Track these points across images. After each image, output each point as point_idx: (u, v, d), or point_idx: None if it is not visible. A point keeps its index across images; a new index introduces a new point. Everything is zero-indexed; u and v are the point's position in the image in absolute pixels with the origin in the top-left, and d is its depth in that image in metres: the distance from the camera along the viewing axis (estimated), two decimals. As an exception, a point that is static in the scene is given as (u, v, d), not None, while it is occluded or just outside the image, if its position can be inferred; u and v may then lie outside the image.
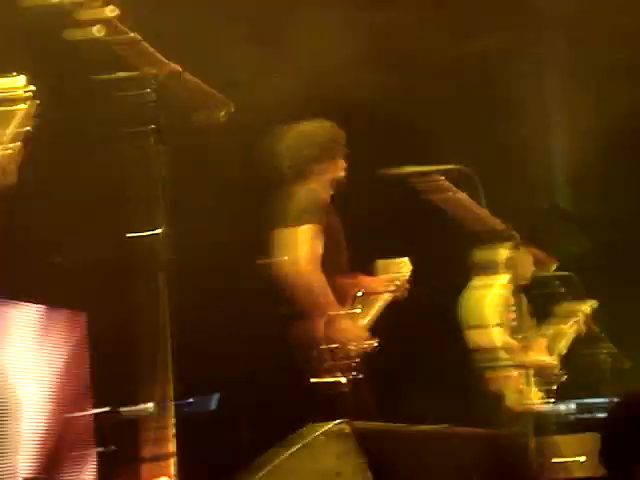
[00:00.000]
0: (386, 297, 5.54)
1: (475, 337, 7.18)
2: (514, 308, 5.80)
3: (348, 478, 1.98)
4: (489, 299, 7.32)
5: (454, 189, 5.24)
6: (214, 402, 7.09)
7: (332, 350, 5.06)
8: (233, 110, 3.19)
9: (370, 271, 5.65)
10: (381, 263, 5.66)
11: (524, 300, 7.16)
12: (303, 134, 5.43)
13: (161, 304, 2.95)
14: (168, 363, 2.98)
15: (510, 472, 2.73)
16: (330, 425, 2.02)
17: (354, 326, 5.21)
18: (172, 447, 2.82)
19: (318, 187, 5.40)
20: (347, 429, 1.98)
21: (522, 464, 2.84)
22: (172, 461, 2.78)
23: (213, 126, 3.46)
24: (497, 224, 5.21)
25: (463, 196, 5.24)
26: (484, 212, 5.19)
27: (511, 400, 6.78)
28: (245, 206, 6.40)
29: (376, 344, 5.26)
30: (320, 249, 5.17)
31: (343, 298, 5.32)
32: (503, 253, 7.28)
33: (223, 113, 3.22)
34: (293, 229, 5.18)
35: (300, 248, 5.15)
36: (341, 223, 5.45)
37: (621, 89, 8.86)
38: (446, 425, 2.43)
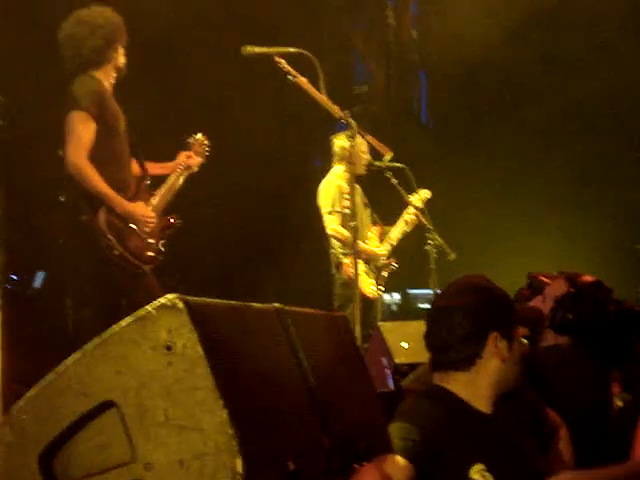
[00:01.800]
0: (174, 180, 5.71)
1: (324, 223, 7.31)
2: (348, 197, 5.83)
3: (178, 352, 1.96)
4: (323, 187, 7.40)
5: (294, 72, 5.19)
6: (40, 279, 6.98)
7: (122, 235, 5.21)
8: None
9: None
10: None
11: (359, 190, 7.24)
12: (83, 23, 5.36)
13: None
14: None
15: (339, 353, 2.76)
16: (162, 299, 1.98)
17: (139, 209, 5.32)
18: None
19: (100, 75, 5.38)
20: (180, 303, 1.95)
21: (351, 346, 2.88)
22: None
23: None
24: (336, 111, 5.18)
25: (303, 80, 5.19)
26: (324, 98, 5.15)
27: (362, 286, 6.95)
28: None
29: (171, 222, 5.53)
30: (89, 135, 5.21)
31: (127, 185, 5.40)
32: (339, 142, 7.34)
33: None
34: (65, 116, 5.21)
35: (68, 135, 5.19)
36: (120, 110, 5.45)
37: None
38: (278, 304, 2.42)
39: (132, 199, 5.34)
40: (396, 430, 2.80)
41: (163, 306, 1.95)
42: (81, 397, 2.01)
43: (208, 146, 5.92)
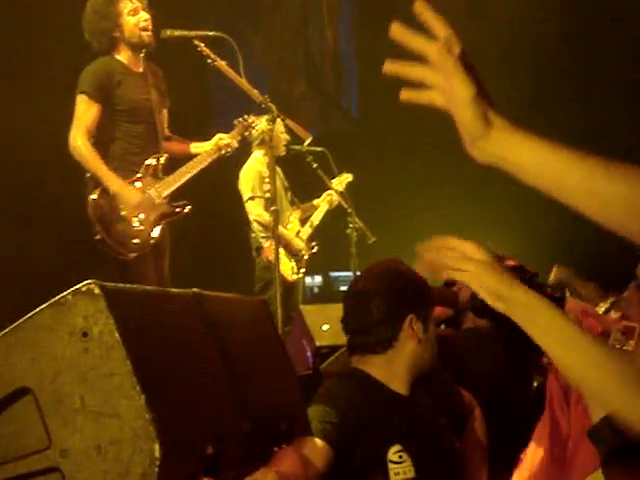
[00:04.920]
0: (194, 164, 5.65)
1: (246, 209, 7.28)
2: (268, 181, 5.84)
3: (95, 338, 1.95)
4: (244, 173, 7.38)
5: (213, 56, 5.18)
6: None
7: (108, 220, 5.16)
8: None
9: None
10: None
11: (279, 173, 7.23)
12: (94, 7, 5.35)
13: None
14: None
15: (258, 336, 2.77)
16: (78, 285, 1.97)
17: (132, 196, 5.24)
18: None
19: (120, 55, 5.42)
20: (96, 289, 1.94)
21: (270, 330, 2.90)
22: None
23: None
24: (255, 95, 5.17)
25: (222, 64, 5.18)
26: (243, 82, 5.14)
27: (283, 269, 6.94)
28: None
29: (177, 211, 5.47)
30: (90, 116, 5.26)
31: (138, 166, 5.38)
32: (258, 126, 7.30)
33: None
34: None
35: (74, 118, 5.27)
36: (148, 90, 5.49)
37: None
38: (196, 289, 2.42)
39: (139, 180, 5.33)
40: (315, 413, 2.82)
41: (79, 292, 1.94)
42: (-5, 384, 1.99)
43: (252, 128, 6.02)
